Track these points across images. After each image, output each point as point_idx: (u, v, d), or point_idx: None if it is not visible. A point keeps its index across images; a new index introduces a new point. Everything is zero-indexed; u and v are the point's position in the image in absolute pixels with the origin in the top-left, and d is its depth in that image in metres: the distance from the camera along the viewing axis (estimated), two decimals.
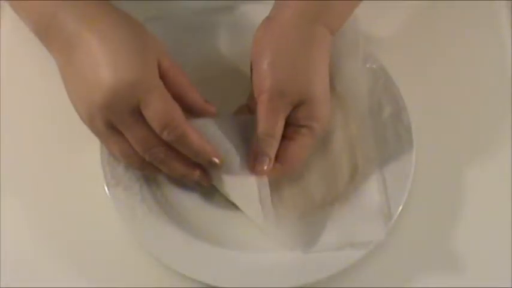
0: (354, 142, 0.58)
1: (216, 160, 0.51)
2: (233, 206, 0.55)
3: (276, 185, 0.55)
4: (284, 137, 0.53)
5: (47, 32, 0.51)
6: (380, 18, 0.65)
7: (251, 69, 0.54)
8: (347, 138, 0.58)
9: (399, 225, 0.55)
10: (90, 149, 0.56)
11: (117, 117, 0.49)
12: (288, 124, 0.53)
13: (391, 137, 0.57)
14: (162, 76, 0.51)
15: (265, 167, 0.52)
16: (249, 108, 0.56)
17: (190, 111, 0.53)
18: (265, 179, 0.52)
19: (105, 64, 0.48)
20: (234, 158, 0.53)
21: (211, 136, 0.53)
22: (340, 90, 0.59)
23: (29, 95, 0.61)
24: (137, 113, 0.49)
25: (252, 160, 0.52)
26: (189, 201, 0.56)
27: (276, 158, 0.53)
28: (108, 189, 0.55)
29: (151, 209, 0.55)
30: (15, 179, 0.58)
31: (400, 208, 0.54)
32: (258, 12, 0.56)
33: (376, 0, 0.65)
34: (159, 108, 0.48)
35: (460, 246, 0.56)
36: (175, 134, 0.49)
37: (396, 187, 0.55)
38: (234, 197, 0.54)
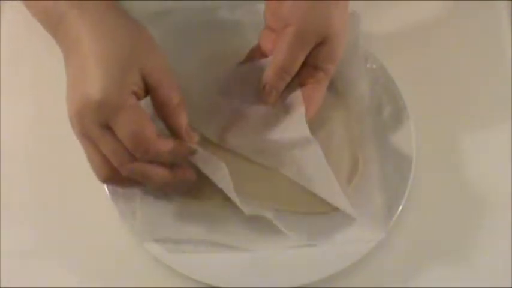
0: (354, 142, 0.58)
1: (194, 146, 0.51)
2: (232, 205, 0.55)
3: (277, 183, 0.55)
4: (298, 78, 0.54)
5: (56, 31, 0.51)
6: (380, 18, 0.65)
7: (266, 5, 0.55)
8: (348, 137, 0.58)
9: (399, 225, 0.55)
10: None
11: (87, 128, 0.48)
12: (304, 64, 0.54)
13: (391, 137, 0.57)
14: (150, 90, 0.49)
15: (273, 99, 0.54)
16: (260, 49, 0.56)
17: (172, 133, 0.51)
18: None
19: (83, 77, 0.47)
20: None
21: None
22: (341, 90, 0.59)
23: (29, 94, 0.61)
24: (107, 128, 0.47)
25: (261, 89, 0.54)
26: (188, 201, 0.56)
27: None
28: (108, 189, 0.55)
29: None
30: (15, 179, 0.58)
31: (400, 208, 0.54)
32: (259, 12, 0.56)
33: (376, 0, 0.65)
34: (127, 129, 0.47)
35: (460, 246, 0.56)
36: (148, 154, 0.48)
37: (396, 186, 0.55)
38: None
